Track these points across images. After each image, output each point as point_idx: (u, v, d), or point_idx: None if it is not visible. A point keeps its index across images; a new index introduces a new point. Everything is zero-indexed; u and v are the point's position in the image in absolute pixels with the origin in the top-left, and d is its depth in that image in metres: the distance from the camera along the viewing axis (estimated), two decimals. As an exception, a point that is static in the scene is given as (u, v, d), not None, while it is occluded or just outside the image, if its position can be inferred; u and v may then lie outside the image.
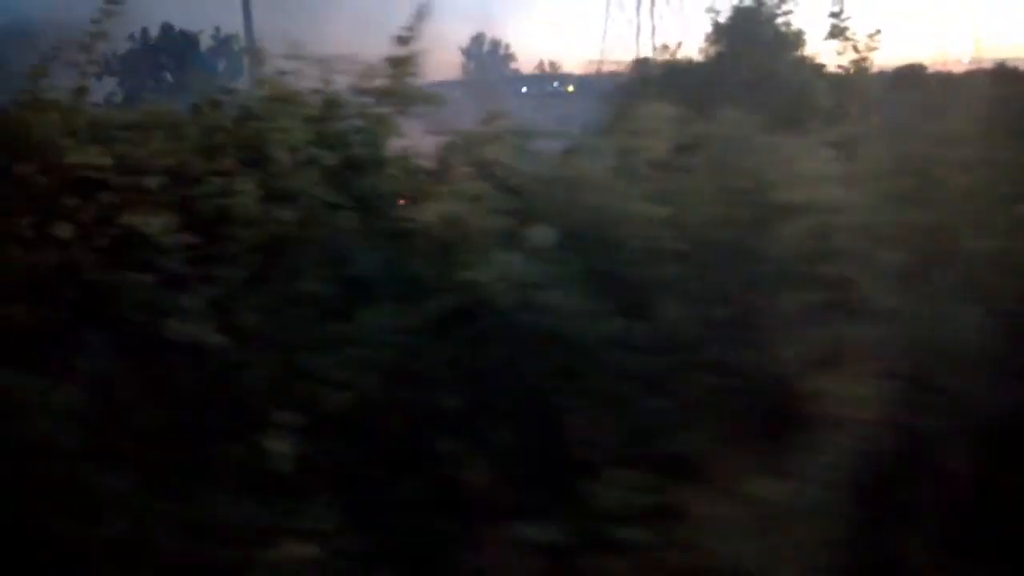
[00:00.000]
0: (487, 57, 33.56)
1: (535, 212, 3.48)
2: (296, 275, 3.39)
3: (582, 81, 27.58)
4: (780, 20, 9.29)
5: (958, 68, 6.86)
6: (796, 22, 10.07)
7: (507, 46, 34.46)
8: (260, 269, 3.42)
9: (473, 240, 3.39)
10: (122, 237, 3.41)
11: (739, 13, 8.95)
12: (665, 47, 10.24)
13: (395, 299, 3.33)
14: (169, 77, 29.71)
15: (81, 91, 3.84)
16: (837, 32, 7.64)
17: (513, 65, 34.12)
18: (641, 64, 10.93)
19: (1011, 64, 7.82)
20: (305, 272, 3.38)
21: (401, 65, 3.83)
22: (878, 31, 8.11)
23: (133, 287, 3.25)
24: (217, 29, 32.13)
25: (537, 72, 32.51)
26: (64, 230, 3.37)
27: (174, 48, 30.25)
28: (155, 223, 3.33)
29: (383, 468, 3.16)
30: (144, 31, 29.43)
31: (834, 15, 7.29)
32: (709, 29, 9.05)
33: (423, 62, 3.93)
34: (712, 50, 8.95)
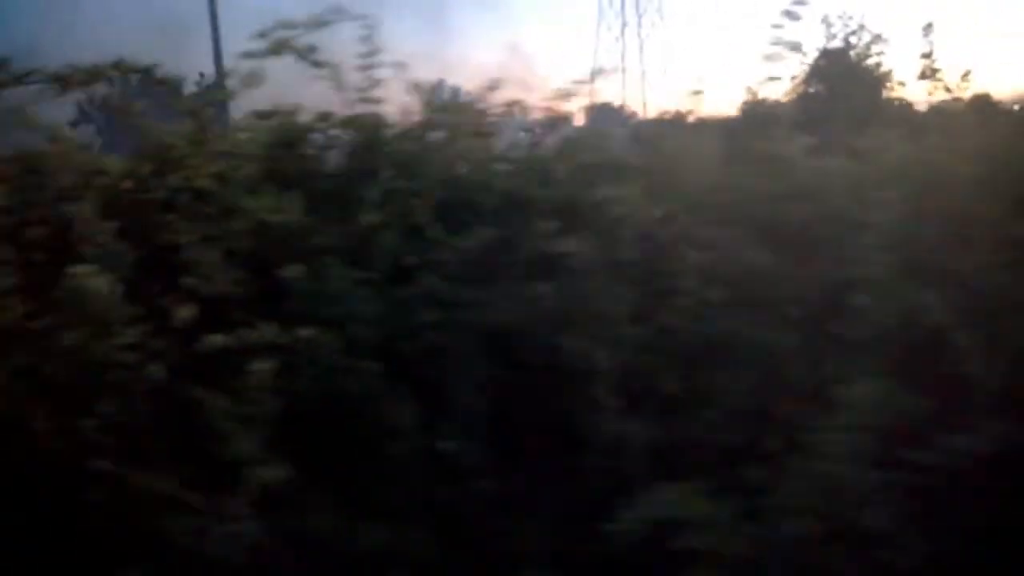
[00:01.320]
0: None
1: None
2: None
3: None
4: (871, 61, 9.31)
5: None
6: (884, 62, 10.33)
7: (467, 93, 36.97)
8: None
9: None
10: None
11: (832, 54, 8.87)
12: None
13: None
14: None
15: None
16: (929, 73, 8.18)
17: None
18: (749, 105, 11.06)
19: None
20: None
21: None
22: (969, 72, 8.41)
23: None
24: (201, 75, 30.87)
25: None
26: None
27: (156, 93, 29.52)
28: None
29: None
30: (125, 76, 28.91)
31: (925, 56, 7.97)
32: (798, 69, 8.95)
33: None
34: (805, 90, 8.85)
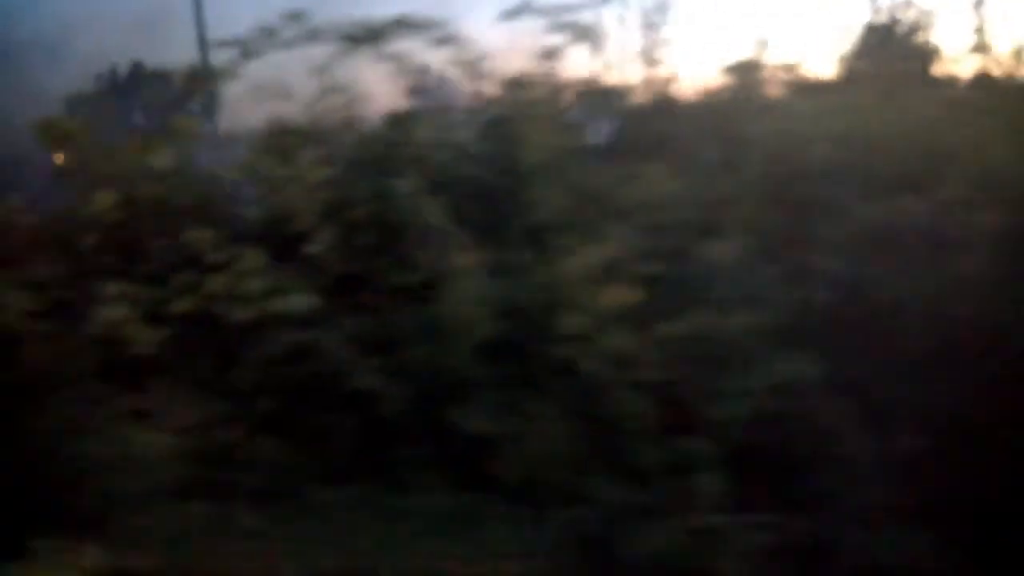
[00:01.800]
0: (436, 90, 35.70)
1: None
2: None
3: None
4: (920, 36, 8.99)
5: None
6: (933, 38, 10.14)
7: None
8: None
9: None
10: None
11: (879, 29, 8.51)
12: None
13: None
14: (140, 119, 29.02)
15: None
16: (981, 48, 7.89)
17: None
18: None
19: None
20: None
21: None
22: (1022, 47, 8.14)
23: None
24: (193, 68, 31.10)
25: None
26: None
27: (145, 88, 29.57)
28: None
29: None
30: (113, 70, 30.02)
31: (977, 30, 7.63)
32: (844, 45, 8.55)
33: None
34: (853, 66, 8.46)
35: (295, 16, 4.17)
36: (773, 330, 3.62)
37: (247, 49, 4.33)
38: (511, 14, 4.04)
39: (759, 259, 3.90)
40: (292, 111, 5.03)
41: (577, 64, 4.88)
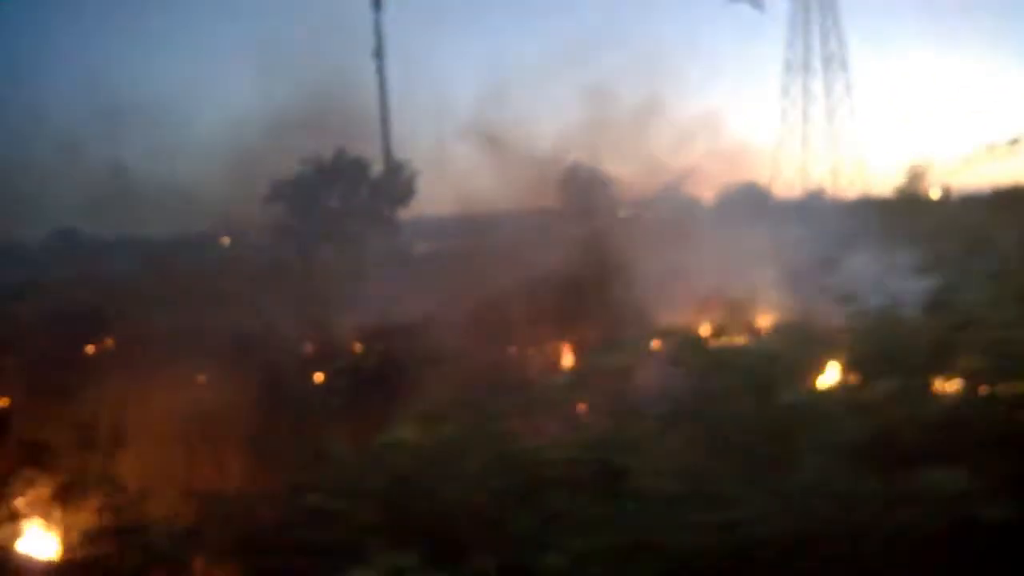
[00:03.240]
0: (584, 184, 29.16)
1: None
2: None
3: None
4: None
5: None
6: None
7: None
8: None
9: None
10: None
11: None
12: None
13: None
14: (336, 203, 30.46)
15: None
16: None
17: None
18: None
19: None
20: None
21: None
22: None
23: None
24: (388, 152, 32.55)
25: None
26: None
27: (346, 173, 31.29)
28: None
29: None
30: (318, 156, 30.55)
31: None
32: None
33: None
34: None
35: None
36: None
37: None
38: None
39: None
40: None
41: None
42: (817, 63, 54.18)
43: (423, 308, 20.17)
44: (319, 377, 17.65)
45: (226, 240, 32.62)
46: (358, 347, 21.22)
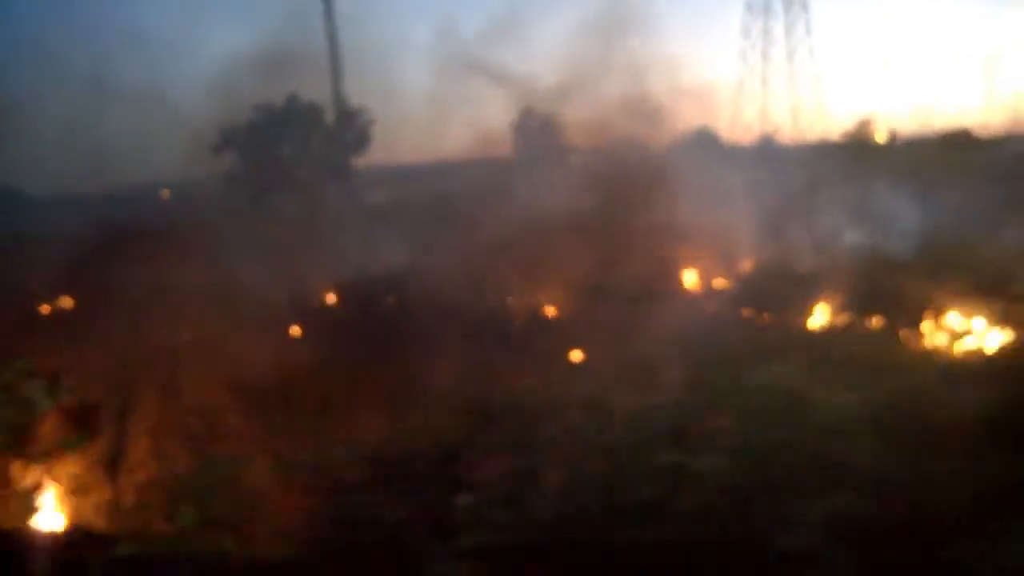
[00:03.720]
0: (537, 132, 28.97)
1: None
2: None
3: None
4: None
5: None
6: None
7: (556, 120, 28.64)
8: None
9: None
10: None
11: None
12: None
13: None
14: (288, 150, 27.46)
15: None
16: None
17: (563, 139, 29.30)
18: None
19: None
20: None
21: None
22: None
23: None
24: (340, 98, 30.21)
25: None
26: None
27: (298, 120, 28.85)
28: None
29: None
30: (268, 103, 27.43)
31: None
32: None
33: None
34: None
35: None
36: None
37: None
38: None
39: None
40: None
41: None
42: (778, 4, 53.30)
43: (396, 259, 20.18)
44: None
45: (166, 193, 32.18)
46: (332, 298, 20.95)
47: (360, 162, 30.35)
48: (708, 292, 21.55)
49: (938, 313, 16.27)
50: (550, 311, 19.89)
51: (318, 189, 27.55)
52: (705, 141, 33.31)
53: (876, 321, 17.34)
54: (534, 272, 19.37)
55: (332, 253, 21.46)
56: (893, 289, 16.65)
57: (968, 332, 15.84)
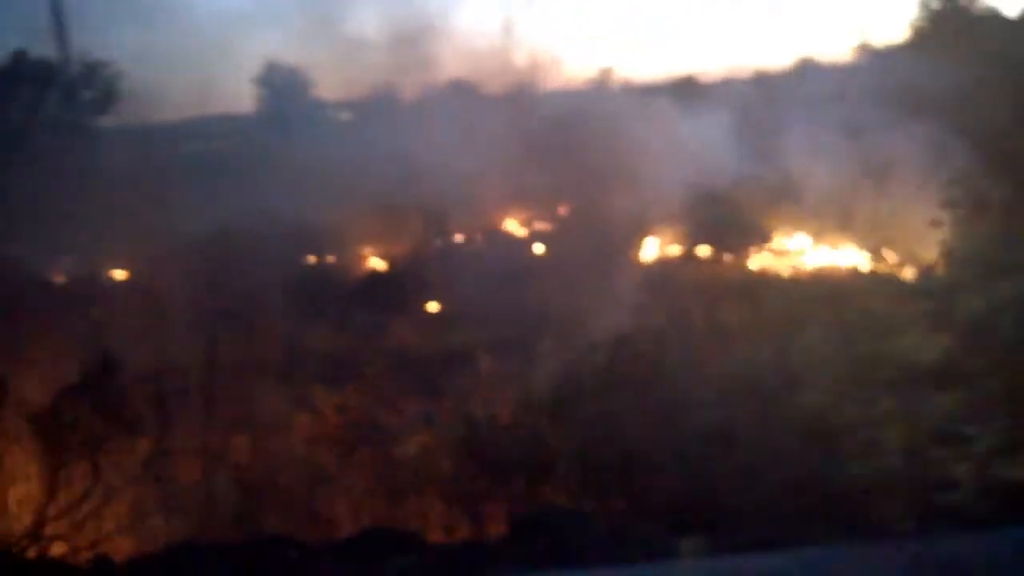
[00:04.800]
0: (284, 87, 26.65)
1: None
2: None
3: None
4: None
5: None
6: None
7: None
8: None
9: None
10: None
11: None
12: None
13: None
14: (18, 113, 24.31)
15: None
16: None
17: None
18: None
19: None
20: None
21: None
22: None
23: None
24: (65, 49, 24.77)
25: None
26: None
27: (29, 78, 24.91)
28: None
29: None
30: None
31: None
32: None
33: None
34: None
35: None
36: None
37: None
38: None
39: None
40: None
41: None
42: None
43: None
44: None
45: None
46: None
47: (110, 121, 26.91)
48: (533, 234, 21.63)
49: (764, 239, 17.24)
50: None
51: (53, 155, 24.18)
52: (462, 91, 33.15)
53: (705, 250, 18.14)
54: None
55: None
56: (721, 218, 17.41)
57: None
